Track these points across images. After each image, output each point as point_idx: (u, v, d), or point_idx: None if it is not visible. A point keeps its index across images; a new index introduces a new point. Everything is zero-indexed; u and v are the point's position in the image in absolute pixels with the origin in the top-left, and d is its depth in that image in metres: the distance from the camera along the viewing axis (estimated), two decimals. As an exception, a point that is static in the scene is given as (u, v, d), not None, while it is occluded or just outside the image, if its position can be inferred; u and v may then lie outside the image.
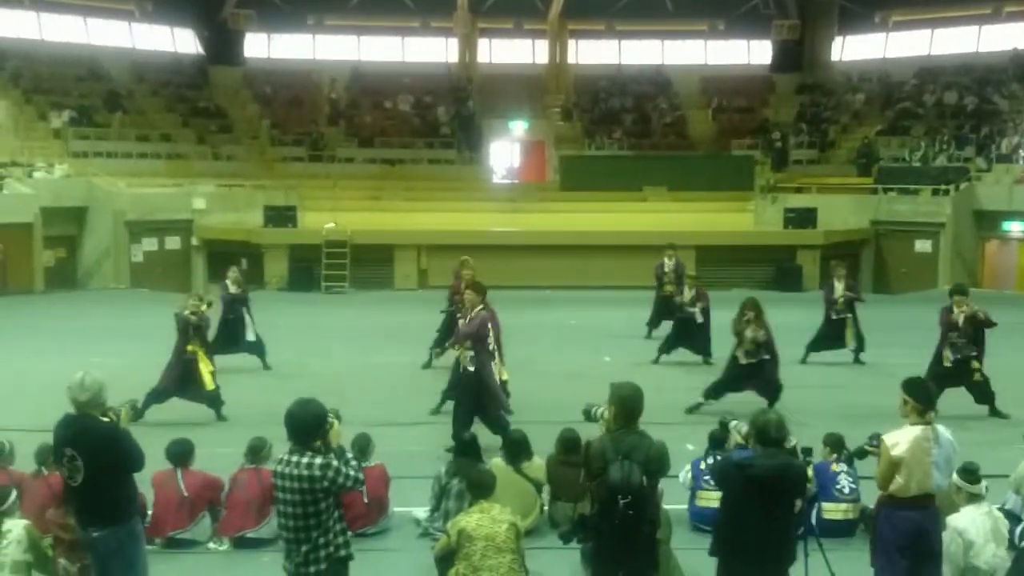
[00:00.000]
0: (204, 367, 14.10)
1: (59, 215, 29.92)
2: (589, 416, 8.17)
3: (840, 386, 16.43)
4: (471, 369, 12.29)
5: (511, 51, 44.96)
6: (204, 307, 14.39)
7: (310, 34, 44.14)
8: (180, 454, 9.51)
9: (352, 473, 6.41)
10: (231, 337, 17.55)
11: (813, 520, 8.60)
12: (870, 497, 8.13)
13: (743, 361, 14.11)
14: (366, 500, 9.45)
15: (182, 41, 42.66)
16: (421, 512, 9.83)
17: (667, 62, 44.86)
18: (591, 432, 7.46)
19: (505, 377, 14.37)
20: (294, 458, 6.32)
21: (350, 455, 6.65)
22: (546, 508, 9.81)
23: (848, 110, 40.79)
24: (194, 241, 31.86)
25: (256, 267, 29.87)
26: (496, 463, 9.51)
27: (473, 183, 38.17)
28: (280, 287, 29.59)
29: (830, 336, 18.20)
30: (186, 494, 9.38)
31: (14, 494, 8.01)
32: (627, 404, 6.80)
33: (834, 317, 18.17)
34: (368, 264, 30.11)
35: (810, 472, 7.94)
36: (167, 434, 10.28)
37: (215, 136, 38.27)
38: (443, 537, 8.01)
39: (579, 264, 29.76)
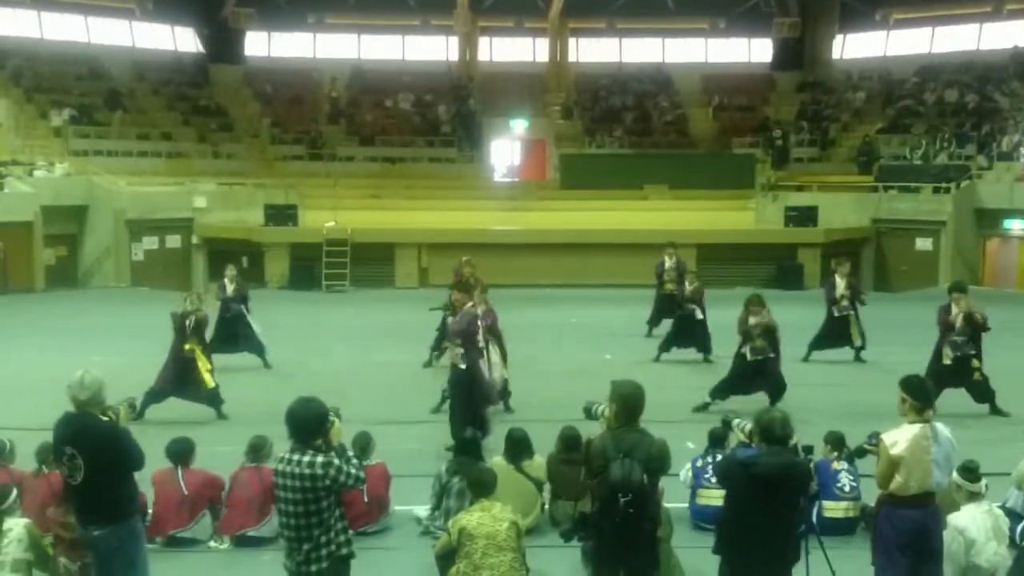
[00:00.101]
0: (202, 366, 14.09)
1: (60, 214, 29.93)
2: (589, 414, 8.18)
3: (841, 384, 16.43)
4: (462, 366, 12.33)
5: (512, 49, 44.95)
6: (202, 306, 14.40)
7: (310, 33, 44.16)
8: (180, 453, 9.50)
9: (353, 472, 6.41)
10: (230, 336, 17.56)
11: (814, 518, 8.60)
12: (871, 495, 8.12)
13: (750, 358, 14.12)
14: (366, 499, 9.44)
15: (182, 40, 42.66)
16: (422, 510, 9.82)
17: (668, 60, 44.86)
18: (592, 430, 7.45)
19: (506, 375, 14.41)
20: (295, 456, 6.32)
21: (351, 453, 6.65)
22: (547, 506, 9.80)
23: (849, 108, 40.77)
24: (195, 240, 31.87)
25: (257, 266, 29.90)
26: (497, 461, 9.51)
27: (474, 181, 38.18)
28: (281, 286, 29.59)
29: (832, 334, 18.19)
30: (187, 493, 9.38)
31: (15, 493, 8.02)
32: (628, 402, 6.80)
33: (837, 315, 18.16)
34: (369, 263, 30.11)
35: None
36: (167, 433, 10.28)
37: (216, 135, 38.27)
38: (444, 535, 8.00)
39: (580, 262, 29.77)
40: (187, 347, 14.07)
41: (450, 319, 12.78)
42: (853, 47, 44.19)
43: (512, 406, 14.34)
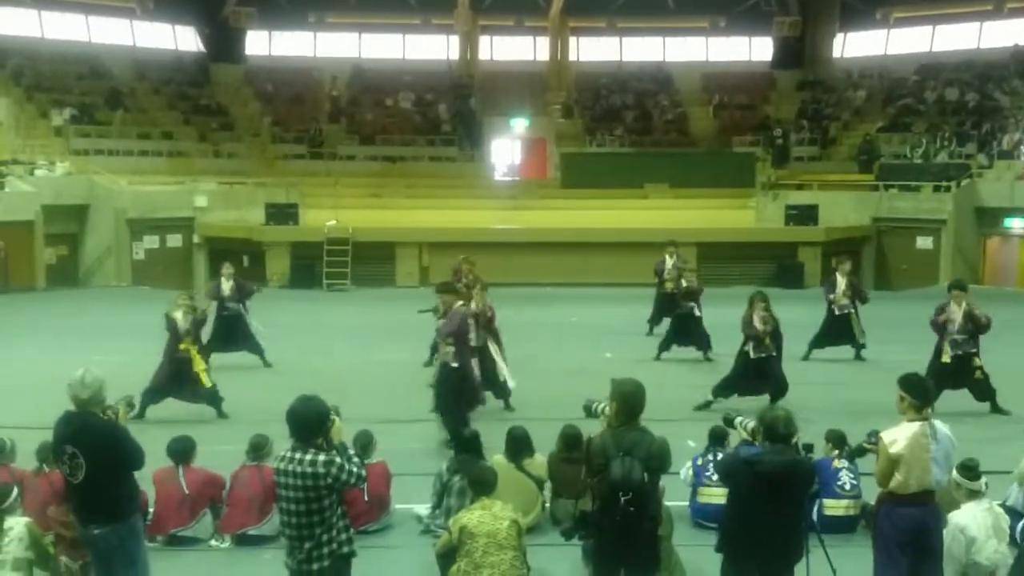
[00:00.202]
0: (197, 366, 14.05)
1: (60, 213, 29.95)
2: (589, 412, 8.20)
3: (842, 382, 16.44)
4: (454, 365, 12.35)
5: (512, 48, 44.96)
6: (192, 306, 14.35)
7: (311, 32, 44.20)
8: (181, 451, 9.51)
9: (355, 470, 6.42)
10: (229, 335, 17.56)
11: (814, 517, 8.60)
12: (871, 493, 8.13)
13: (753, 355, 14.13)
14: (367, 497, 9.44)
15: (183, 39, 42.69)
16: (423, 509, 9.83)
17: (668, 59, 44.88)
18: (592, 429, 7.46)
19: (506, 373, 14.45)
20: (297, 455, 6.32)
21: (352, 452, 6.65)
22: (547, 505, 9.81)
23: (849, 107, 40.77)
24: (195, 239, 31.89)
25: (258, 265, 29.93)
26: (497, 460, 9.51)
27: (474, 180, 38.21)
28: (282, 284, 29.60)
29: (832, 333, 18.20)
30: (187, 491, 9.38)
31: (15, 492, 8.02)
32: (629, 401, 6.80)
33: (837, 313, 18.18)
34: (370, 261, 30.14)
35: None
36: (168, 431, 10.30)
37: (216, 134, 38.30)
38: (445, 534, 8.01)
39: (580, 261, 29.79)
40: (182, 347, 14.04)
41: (439, 322, 12.72)
42: (853, 46, 44.20)
43: (513, 404, 14.36)
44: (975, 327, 14.06)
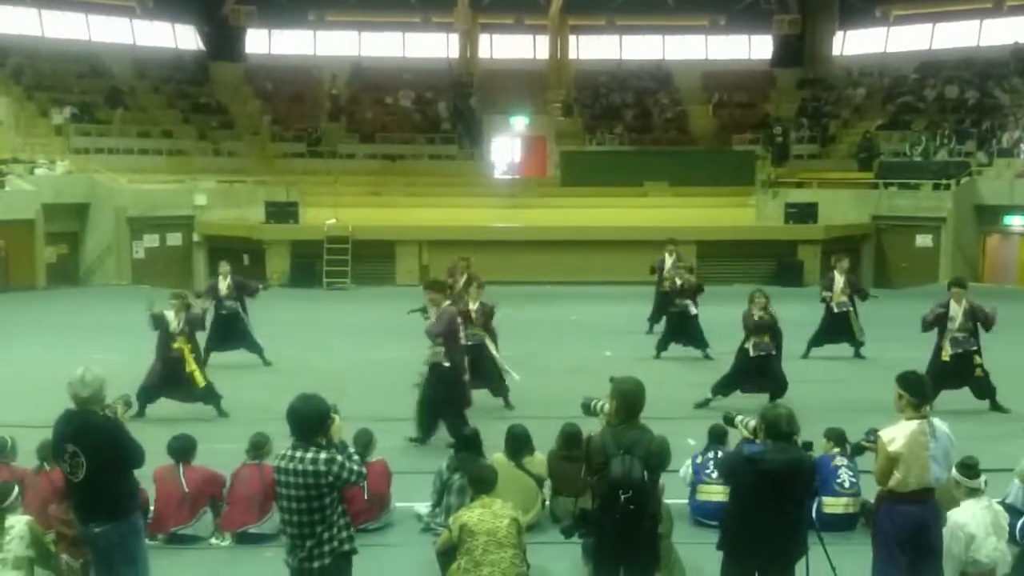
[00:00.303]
0: (190, 366, 13.96)
1: (61, 212, 29.94)
2: (588, 410, 8.19)
3: (841, 380, 16.46)
4: (446, 365, 12.35)
5: (512, 47, 44.95)
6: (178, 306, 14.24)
7: (311, 30, 44.18)
8: (182, 450, 9.52)
9: (355, 468, 6.42)
10: (227, 334, 17.53)
11: (814, 514, 8.61)
12: (871, 491, 8.14)
13: (752, 353, 14.15)
14: (367, 496, 9.45)
15: (183, 37, 42.67)
16: (423, 507, 9.85)
17: (668, 57, 44.84)
18: (592, 427, 7.47)
19: (503, 371, 14.48)
20: (298, 453, 6.33)
21: (352, 450, 6.66)
22: (547, 503, 9.82)
23: (849, 105, 40.76)
24: (196, 237, 31.88)
25: (258, 263, 29.92)
26: (497, 458, 9.52)
27: (474, 179, 38.22)
28: (282, 283, 29.60)
29: (831, 331, 18.21)
30: (188, 490, 9.39)
31: (16, 490, 8.03)
32: (629, 399, 6.82)
33: (836, 311, 18.19)
34: (369, 260, 30.12)
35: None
36: (168, 430, 10.33)
37: (216, 132, 38.28)
38: (444, 532, 8.03)
39: (580, 259, 29.78)
40: (175, 346, 13.99)
41: (428, 322, 12.70)
42: (853, 43, 44.18)
43: (512, 403, 14.38)
44: (984, 322, 14.08)
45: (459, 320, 12.71)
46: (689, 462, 9.90)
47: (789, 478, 6.68)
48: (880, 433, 7.19)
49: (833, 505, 9.46)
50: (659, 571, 7.39)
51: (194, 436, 9.80)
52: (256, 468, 9.50)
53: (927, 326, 14.24)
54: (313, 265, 30.07)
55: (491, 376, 14.48)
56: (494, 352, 14.64)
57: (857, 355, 18.25)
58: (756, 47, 45.41)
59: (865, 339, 18.23)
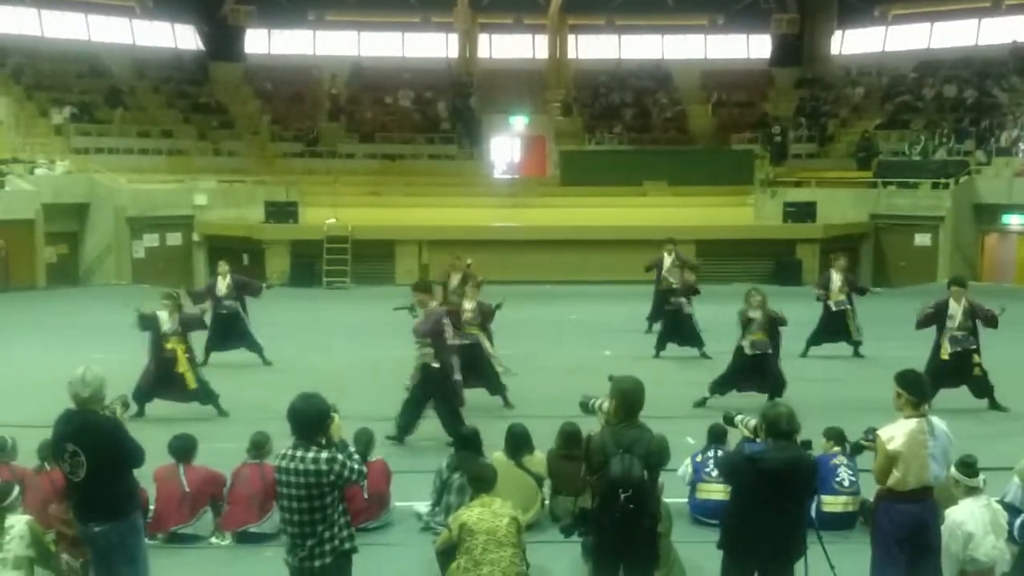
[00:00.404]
0: (182, 366, 13.92)
1: (61, 211, 29.94)
2: (586, 408, 8.21)
3: (840, 379, 16.48)
4: (435, 366, 12.35)
5: (511, 46, 44.95)
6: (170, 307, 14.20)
7: (310, 30, 44.19)
8: (182, 449, 9.53)
9: (356, 467, 6.44)
10: (226, 333, 17.52)
11: (813, 513, 8.63)
12: (870, 490, 8.15)
13: (748, 352, 14.16)
14: (367, 495, 9.47)
15: (183, 37, 42.67)
16: (422, 506, 9.87)
17: (667, 57, 44.86)
18: (591, 426, 7.49)
19: (500, 370, 14.49)
20: (299, 452, 6.34)
21: (352, 449, 6.68)
22: (547, 502, 9.83)
23: (847, 104, 40.77)
24: (195, 237, 31.89)
25: (258, 263, 29.93)
26: (497, 457, 9.54)
27: (474, 178, 38.24)
28: (282, 283, 29.61)
29: (829, 329, 18.23)
30: (188, 489, 9.40)
31: (16, 490, 8.03)
32: (628, 398, 6.83)
33: (834, 309, 18.21)
34: (369, 259, 30.13)
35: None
36: (169, 429, 10.34)
37: (216, 132, 38.29)
38: (444, 531, 8.05)
39: (579, 259, 29.79)
40: (168, 346, 13.95)
41: (415, 321, 12.71)
42: (852, 43, 44.20)
43: (512, 402, 14.39)
44: (985, 321, 14.11)
45: (446, 320, 12.70)
46: (688, 461, 9.92)
47: (790, 477, 6.68)
48: (879, 432, 7.19)
49: (832, 504, 9.47)
50: (658, 570, 7.40)
51: (195, 435, 9.80)
52: (256, 467, 9.51)
53: (919, 326, 14.30)
54: (313, 265, 30.09)
55: (488, 375, 14.51)
56: (490, 350, 14.66)
57: (856, 354, 18.27)
58: (755, 46, 45.42)
59: (862, 338, 18.25)
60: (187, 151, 36.43)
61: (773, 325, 14.29)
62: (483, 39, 44.95)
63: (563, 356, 18.47)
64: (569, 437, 9.67)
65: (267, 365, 17.61)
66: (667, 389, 13.86)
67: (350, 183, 35.48)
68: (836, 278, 18.29)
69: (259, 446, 9.62)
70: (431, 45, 44.42)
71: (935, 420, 7.15)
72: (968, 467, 7.96)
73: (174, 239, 31.79)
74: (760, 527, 6.69)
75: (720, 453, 9.54)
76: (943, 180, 31.42)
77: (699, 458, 9.86)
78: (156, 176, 33.31)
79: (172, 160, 35.44)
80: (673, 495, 9.17)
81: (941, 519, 7.58)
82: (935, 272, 30.02)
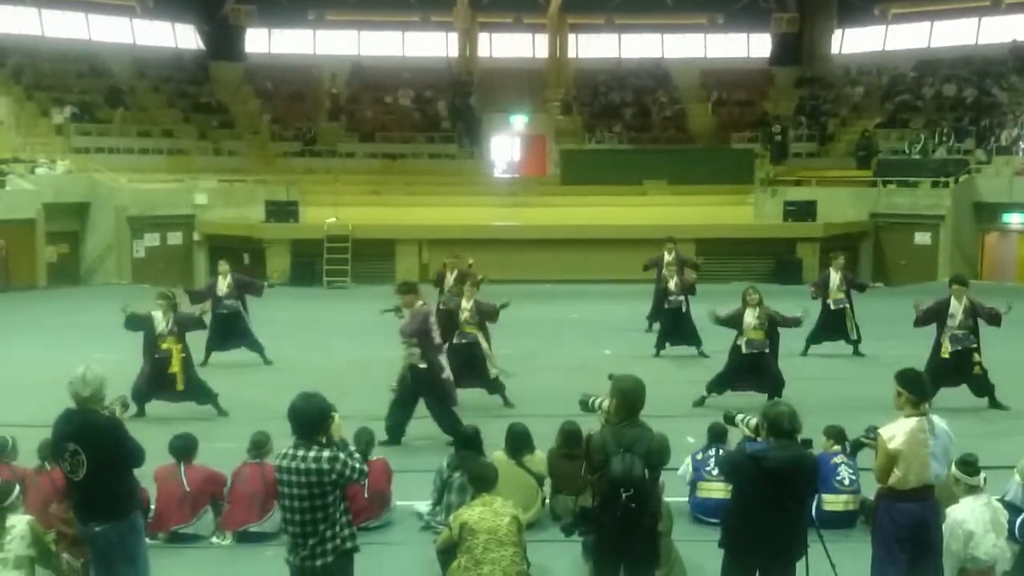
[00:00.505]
0: (174, 367, 13.84)
1: (61, 211, 29.95)
2: (586, 406, 8.21)
3: (840, 378, 16.48)
4: (422, 366, 12.33)
5: (511, 45, 44.99)
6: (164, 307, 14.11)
7: (311, 29, 44.23)
8: (183, 448, 9.53)
9: (357, 466, 6.44)
10: (228, 333, 17.50)
11: (813, 512, 8.63)
12: (870, 488, 8.15)
13: (745, 351, 14.15)
14: (367, 494, 9.46)
15: (183, 37, 42.70)
16: (423, 506, 9.87)
17: (667, 56, 44.92)
18: (592, 425, 7.49)
19: (496, 370, 14.48)
20: (300, 452, 6.34)
21: (352, 448, 6.68)
22: (547, 501, 9.84)
23: (847, 103, 40.79)
24: (196, 236, 31.91)
25: (258, 262, 29.93)
26: (498, 456, 9.54)
27: (474, 177, 38.25)
28: (282, 282, 29.60)
29: (828, 328, 18.23)
30: (188, 489, 9.40)
31: (17, 490, 8.03)
32: (629, 397, 6.83)
33: (833, 308, 18.22)
34: (369, 259, 30.12)
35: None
36: (169, 429, 10.35)
37: (216, 131, 38.31)
38: (445, 530, 8.05)
39: (579, 258, 29.80)
40: (163, 347, 13.89)
41: (402, 322, 12.68)
42: (851, 42, 44.23)
43: (512, 401, 14.39)
44: (988, 319, 14.11)
45: (433, 320, 12.67)
46: (689, 460, 9.91)
47: (792, 476, 6.67)
48: (880, 430, 7.18)
49: (833, 503, 9.47)
50: (659, 569, 7.41)
51: (195, 435, 9.80)
52: (257, 467, 9.51)
53: (919, 324, 14.32)
54: (313, 264, 30.10)
55: (486, 375, 14.51)
56: (487, 350, 14.65)
57: (856, 352, 18.28)
58: (755, 45, 45.45)
59: (860, 337, 18.24)
60: (187, 151, 36.44)
61: (772, 324, 14.27)
62: (483, 38, 44.98)
63: (563, 355, 18.47)
64: (570, 436, 9.67)
65: (267, 364, 17.60)
66: (667, 388, 13.87)
67: (350, 182, 35.49)
68: (835, 277, 18.32)
69: (259, 445, 9.62)
70: (431, 44, 44.46)
71: (936, 419, 7.15)
72: (969, 466, 7.96)
73: (175, 239, 31.81)
74: (761, 526, 6.68)
75: (720, 452, 9.54)
76: (943, 179, 31.44)
77: (699, 457, 9.86)
78: (156, 176, 33.33)
79: (172, 160, 35.46)
80: (673, 494, 9.18)
81: (942, 518, 7.58)
82: (935, 271, 30.04)
